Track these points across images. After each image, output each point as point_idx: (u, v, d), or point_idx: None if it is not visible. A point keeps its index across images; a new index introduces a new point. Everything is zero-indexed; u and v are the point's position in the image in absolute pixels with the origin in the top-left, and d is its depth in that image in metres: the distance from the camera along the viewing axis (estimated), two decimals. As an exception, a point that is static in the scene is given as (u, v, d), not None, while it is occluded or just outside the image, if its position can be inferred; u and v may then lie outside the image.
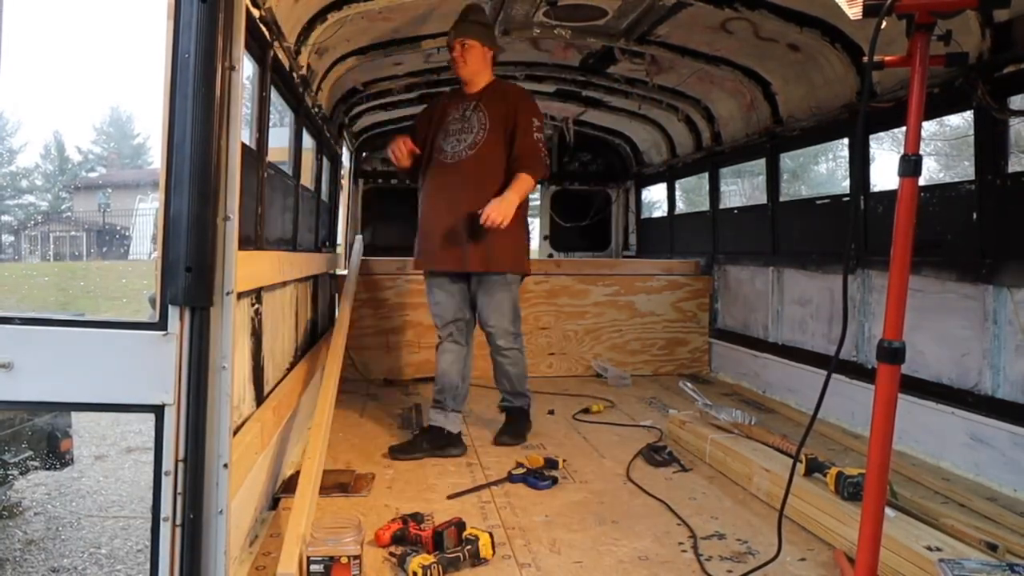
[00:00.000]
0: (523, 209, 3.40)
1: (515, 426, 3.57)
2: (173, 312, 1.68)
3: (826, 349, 4.13)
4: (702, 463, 3.20)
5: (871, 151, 4.96)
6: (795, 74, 4.21)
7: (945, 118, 17.46)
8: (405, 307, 5.09)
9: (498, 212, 3.13)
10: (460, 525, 2.26)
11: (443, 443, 3.33)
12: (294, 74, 3.33)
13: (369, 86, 5.01)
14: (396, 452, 3.29)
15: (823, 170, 31.94)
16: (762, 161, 4.90)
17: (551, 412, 4.14)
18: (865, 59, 1.67)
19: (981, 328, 3.04)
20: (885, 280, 1.70)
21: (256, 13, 2.48)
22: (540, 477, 2.90)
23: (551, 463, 3.06)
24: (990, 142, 3.02)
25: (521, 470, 2.95)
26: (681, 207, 6.63)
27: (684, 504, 2.71)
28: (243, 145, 1.88)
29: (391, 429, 3.80)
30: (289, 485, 2.85)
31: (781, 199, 4.76)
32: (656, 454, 3.25)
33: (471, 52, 3.31)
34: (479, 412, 4.17)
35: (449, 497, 2.71)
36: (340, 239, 6.13)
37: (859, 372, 3.71)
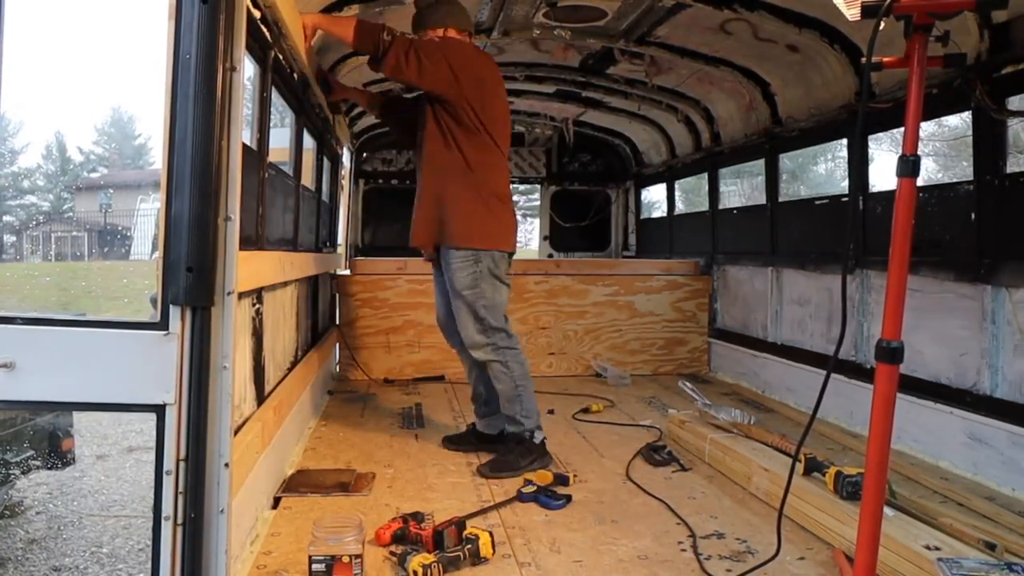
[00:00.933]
0: (478, 179, 3.04)
1: (500, 456, 3.10)
2: (174, 312, 1.69)
3: (825, 349, 4.14)
4: (701, 463, 3.21)
5: (870, 151, 4.97)
6: (794, 75, 4.22)
7: (943, 119, 17.49)
8: (405, 307, 5.10)
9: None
10: (460, 524, 2.26)
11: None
12: (295, 75, 3.34)
13: (369, 87, 5.01)
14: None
15: (822, 170, 31.97)
16: (761, 161, 4.91)
17: (551, 412, 4.15)
18: (864, 60, 1.68)
19: (979, 328, 3.04)
20: (884, 280, 1.70)
21: (257, 14, 2.49)
22: (553, 496, 2.69)
23: (561, 479, 2.88)
24: (988, 142, 3.03)
25: (531, 488, 2.74)
26: (680, 207, 6.64)
27: (683, 503, 2.72)
28: (244, 146, 1.88)
29: (391, 429, 3.80)
30: (290, 484, 2.86)
31: (780, 199, 4.77)
32: (656, 454, 3.26)
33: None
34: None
35: (455, 522, 2.28)
36: (340, 239, 6.14)
37: (858, 372, 3.72)
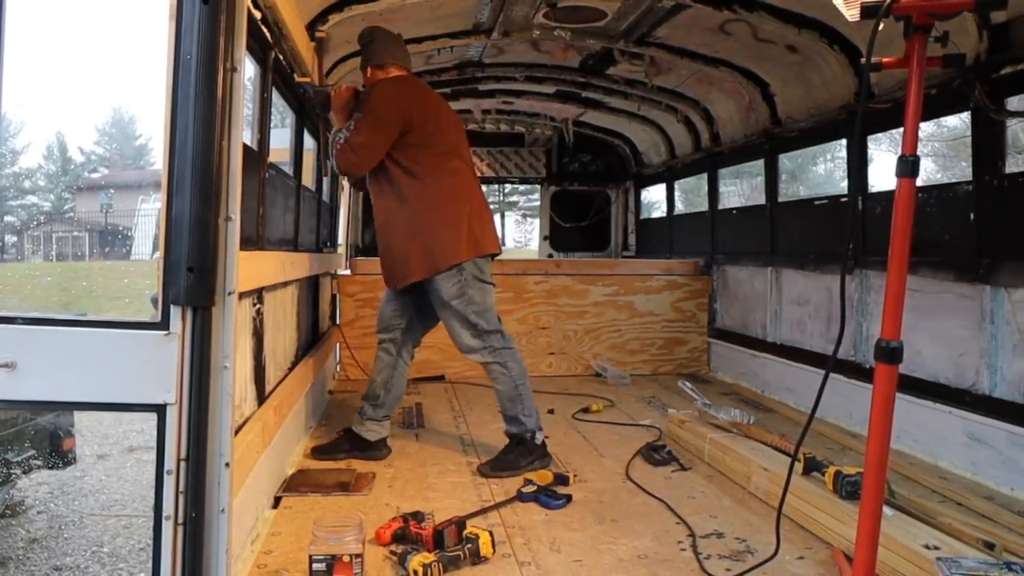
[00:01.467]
0: (419, 204, 3.05)
1: (500, 456, 3.15)
2: (175, 312, 1.69)
3: (824, 349, 4.14)
4: (701, 462, 3.22)
5: (869, 152, 4.97)
6: (793, 75, 4.22)
7: (943, 119, 17.50)
8: (405, 307, 5.09)
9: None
10: (460, 524, 2.27)
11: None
12: (295, 75, 3.34)
13: (369, 87, 5.02)
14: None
15: (821, 171, 31.99)
16: (761, 162, 4.91)
17: (551, 411, 4.15)
18: (863, 60, 1.68)
19: (978, 328, 3.05)
20: (883, 280, 1.71)
21: (257, 15, 2.49)
22: (553, 496, 2.70)
23: (561, 478, 2.89)
24: (987, 143, 3.04)
25: (531, 488, 2.75)
26: (680, 208, 6.65)
27: (683, 503, 2.72)
28: (244, 146, 1.89)
29: (391, 428, 3.80)
30: (290, 484, 2.86)
31: (780, 199, 4.78)
32: (655, 453, 3.26)
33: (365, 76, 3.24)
34: (479, 411, 4.19)
35: (455, 521, 2.29)
36: (341, 239, 6.14)
37: (857, 371, 3.72)
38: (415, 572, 2.05)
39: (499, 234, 3.41)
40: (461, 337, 3.12)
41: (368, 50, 3.22)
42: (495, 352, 3.13)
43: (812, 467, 2.62)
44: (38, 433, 4.84)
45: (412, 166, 3.04)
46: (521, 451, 3.11)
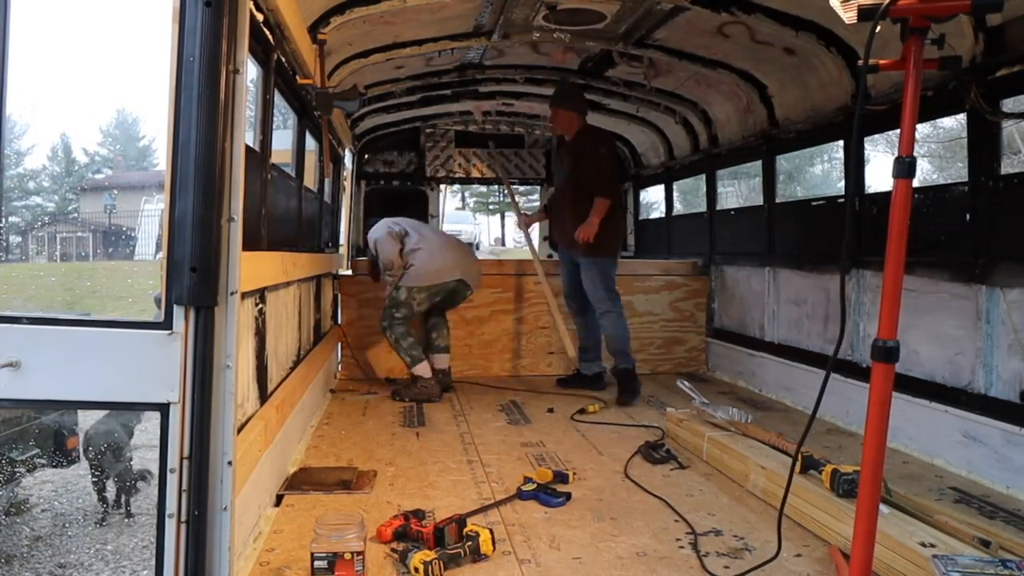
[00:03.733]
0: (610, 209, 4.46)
1: (623, 386, 4.42)
2: (178, 312, 1.71)
3: (821, 348, 4.17)
4: (699, 460, 3.24)
5: (865, 153, 5.00)
6: (791, 77, 4.24)
7: (939, 120, 17.49)
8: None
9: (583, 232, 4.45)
10: (461, 522, 2.29)
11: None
12: (297, 77, 3.36)
13: (371, 89, 5.04)
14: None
15: (818, 172, 32.03)
16: (758, 163, 4.93)
17: (551, 410, 4.17)
18: (860, 62, 1.70)
19: (974, 327, 3.07)
20: (880, 280, 1.73)
21: (260, 17, 2.51)
22: (553, 494, 2.73)
23: (560, 476, 2.91)
24: (983, 144, 3.06)
25: (531, 486, 2.79)
26: (679, 208, 6.66)
27: (682, 501, 2.74)
28: (247, 147, 1.90)
29: (393, 427, 3.82)
30: (292, 482, 2.88)
31: (777, 200, 4.80)
32: (654, 452, 3.28)
33: (556, 116, 4.66)
34: (479, 410, 4.21)
35: (456, 519, 2.32)
36: (342, 240, 6.16)
37: (854, 371, 3.74)
38: (416, 570, 2.06)
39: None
40: (596, 289, 4.52)
41: (572, 100, 4.63)
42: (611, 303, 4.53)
43: (809, 465, 2.63)
44: (42, 432, 4.87)
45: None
46: (637, 383, 4.46)
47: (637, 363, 4.61)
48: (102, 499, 5.20)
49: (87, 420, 5.34)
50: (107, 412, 4.93)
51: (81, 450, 5.19)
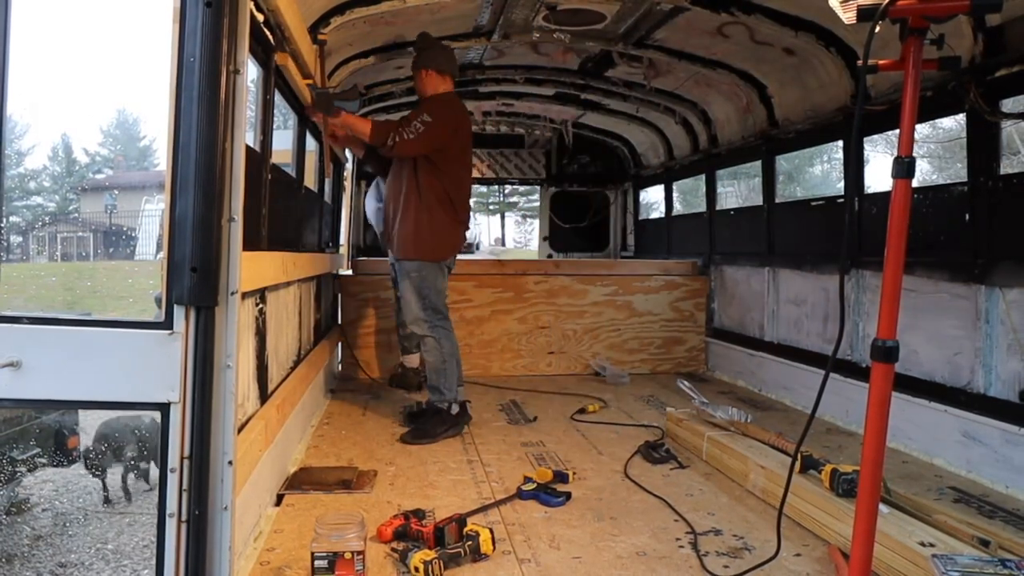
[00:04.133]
0: (429, 197, 3.58)
1: (418, 426, 3.62)
2: (179, 312, 1.71)
3: (821, 348, 4.17)
4: (699, 460, 3.24)
5: (865, 153, 5.00)
6: (790, 77, 4.25)
7: (938, 121, 17.49)
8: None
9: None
10: (461, 521, 2.29)
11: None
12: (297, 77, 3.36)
13: (371, 89, 5.04)
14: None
15: (818, 172, 32.05)
16: (758, 163, 4.94)
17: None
18: (859, 63, 1.70)
19: (973, 327, 3.07)
20: (879, 280, 1.73)
21: (260, 17, 2.51)
22: (553, 493, 2.74)
23: (560, 476, 2.92)
24: (982, 144, 3.06)
25: (531, 485, 2.79)
26: (678, 208, 6.67)
27: (681, 500, 2.75)
28: (247, 147, 1.90)
29: (393, 427, 3.82)
30: (293, 482, 2.88)
31: (777, 200, 4.80)
32: (654, 451, 3.28)
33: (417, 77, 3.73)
34: (479, 409, 4.21)
35: (456, 519, 2.33)
36: (343, 240, 6.16)
37: (853, 370, 3.75)
38: (416, 569, 2.07)
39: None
40: (409, 309, 3.64)
41: (425, 55, 3.70)
42: (433, 327, 3.62)
43: (809, 465, 2.63)
44: (43, 431, 4.88)
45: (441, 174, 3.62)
46: (437, 420, 3.58)
47: (637, 363, 4.56)
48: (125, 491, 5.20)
49: (88, 419, 5.35)
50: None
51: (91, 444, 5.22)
